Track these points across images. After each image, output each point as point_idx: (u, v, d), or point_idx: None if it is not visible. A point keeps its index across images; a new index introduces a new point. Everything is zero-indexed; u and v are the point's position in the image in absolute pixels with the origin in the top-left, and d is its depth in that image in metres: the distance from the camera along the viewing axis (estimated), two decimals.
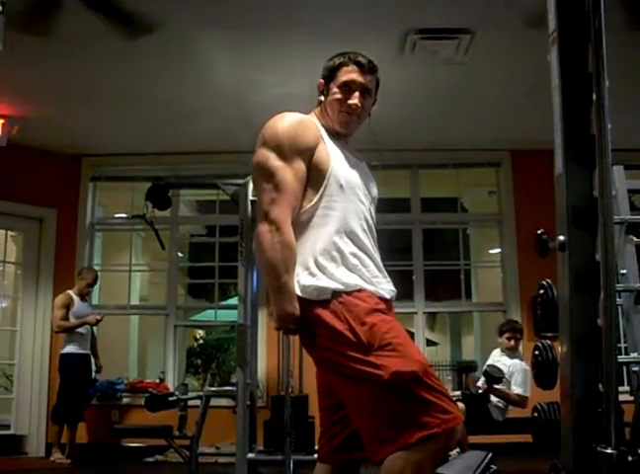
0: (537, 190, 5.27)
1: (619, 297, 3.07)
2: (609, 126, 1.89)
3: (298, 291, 2.18)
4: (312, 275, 2.18)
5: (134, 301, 8.79)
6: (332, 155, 2.27)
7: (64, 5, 4.73)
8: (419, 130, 7.08)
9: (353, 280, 2.18)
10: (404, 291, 7.69)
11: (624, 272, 3.18)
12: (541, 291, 2.19)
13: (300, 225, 2.23)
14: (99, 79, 5.96)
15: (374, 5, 4.84)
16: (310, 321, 2.16)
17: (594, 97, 1.91)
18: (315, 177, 2.24)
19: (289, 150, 2.20)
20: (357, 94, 2.33)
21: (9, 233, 7.89)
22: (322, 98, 2.39)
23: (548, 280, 2.19)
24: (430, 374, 2.07)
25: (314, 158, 2.24)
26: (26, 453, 7.19)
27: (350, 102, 2.32)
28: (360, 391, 2.10)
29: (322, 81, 2.40)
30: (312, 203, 2.23)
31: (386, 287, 2.29)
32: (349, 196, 2.26)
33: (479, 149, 7.68)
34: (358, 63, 2.35)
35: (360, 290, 2.17)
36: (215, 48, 5.51)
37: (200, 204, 9.97)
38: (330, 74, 2.38)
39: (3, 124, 6.32)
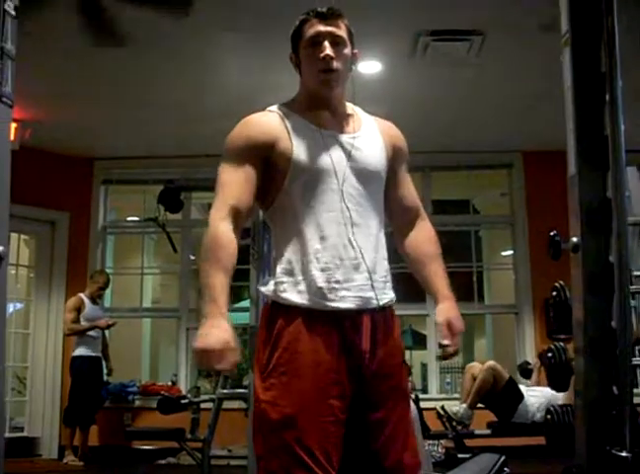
0: (550, 191, 5.25)
1: (633, 299, 3.06)
2: (623, 127, 1.87)
3: (261, 287, 2.12)
4: (271, 276, 2.09)
5: (146, 304, 8.81)
6: (295, 145, 2.05)
7: (77, 11, 4.75)
8: (430, 132, 7.06)
9: (297, 294, 2.00)
10: (416, 293, 7.66)
11: (638, 273, 3.17)
12: (554, 293, 2.17)
13: (271, 225, 2.16)
14: (111, 82, 5.98)
15: (386, 7, 4.84)
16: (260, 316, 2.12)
17: (607, 97, 1.90)
18: (281, 171, 2.05)
19: (235, 154, 2.07)
20: (326, 44, 2.07)
21: (22, 236, 7.92)
22: (298, 71, 2.19)
23: (561, 282, 2.18)
24: (291, 427, 1.91)
25: (273, 155, 2.05)
26: (39, 455, 7.22)
27: (321, 54, 2.07)
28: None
29: (292, 53, 2.19)
30: (276, 203, 2.09)
31: (348, 295, 2.02)
32: (317, 188, 2.05)
33: (491, 151, 7.66)
34: (318, 14, 2.12)
35: (299, 306, 2.00)
36: (229, 51, 5.52)
37: (211, 207, 9.97)
38: (295, 39, 2.17)
39: (16, 128, 6.34)
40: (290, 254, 2.04)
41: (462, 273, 8.43)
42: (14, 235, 7.65)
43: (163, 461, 6.87)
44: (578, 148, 1.96)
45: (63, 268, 7.62)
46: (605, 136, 1.88)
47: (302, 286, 2.01)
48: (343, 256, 2.03)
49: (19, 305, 8.21)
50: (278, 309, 2.02)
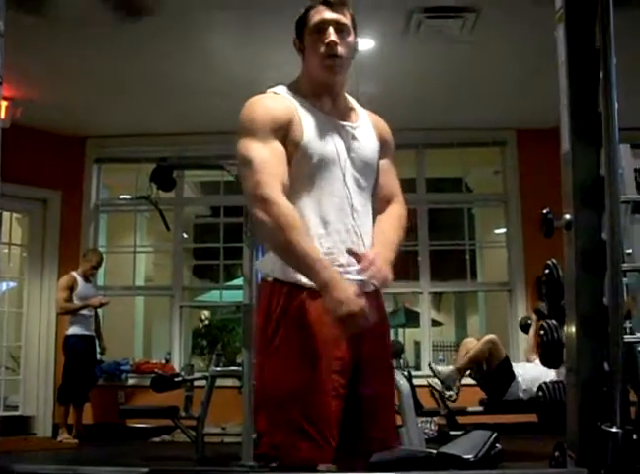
0: (543, 169, 5.23)
1: (625, 277, 3.07)
2: (617, 105, 1.87)
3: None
4: (271, 256, 2.12)
5: (140, 282, 8.82)
6: (306, 130, 2.10)
7: None
8: (423, 110, 7.05)
9: (292, 274, 2.05)
10: (409, 272, 7.69)
11: (630, 251, 3.18)
12: (546, 271, 2.18)
13: None
14: (103, 60, 5.93)
15: None
16: (258, 294, 2.21)
17: (601, 74, 1.89)
18: (288, 155, 2.09)
19: (262, 132, 2.05)
20: (331, 30, 2.13)
21: (14, 215, 7.90)
22: (302, 56, 2.24)
23: (553, 260, 2.18)
24: (298, 399, 2.00)
25: (289, 136, 2.09)
26: (34, 434, 7.24)
27: (326, 40, 2.12)
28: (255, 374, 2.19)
29: (296, 39, 2.25)
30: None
31: (350, 278, 2.06)
32: (323, 174, 2.11)
33: (484, 128, 7.65)
34: (324, 2, 2.17)
35: (299, 285, 2.05)
36: (221, 28, 5.48)
37: (204, 185, 9.97)
38: (301, 26, 2.23)
39: (7, 107, 6.30)
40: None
41: (455, 250, 8.46)
42: (6, 214, 7.63)
43: (157, 439, 6.90)
44: (571, 125, 1.95)
45: (56, 246, 7.61)
46: (599, 113, 1.87)
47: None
48: (346, 240, 2.10)
49: (12, 284, 8.20)
50: (281, 286, 2.06)
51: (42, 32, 5.33)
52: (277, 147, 2.06)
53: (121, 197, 8.76)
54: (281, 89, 2.21)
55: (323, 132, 2.13)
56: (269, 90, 2.20)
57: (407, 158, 7.82)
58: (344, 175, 2.14)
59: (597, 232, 1.89)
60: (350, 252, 2.06)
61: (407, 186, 7.95)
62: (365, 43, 5.60)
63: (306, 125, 2.11)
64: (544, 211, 2.10)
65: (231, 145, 7.35)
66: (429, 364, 5.95)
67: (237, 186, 5.78)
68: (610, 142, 1.83)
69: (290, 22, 2.26)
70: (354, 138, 2.20)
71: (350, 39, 2.18)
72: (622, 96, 1.96)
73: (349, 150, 2.17)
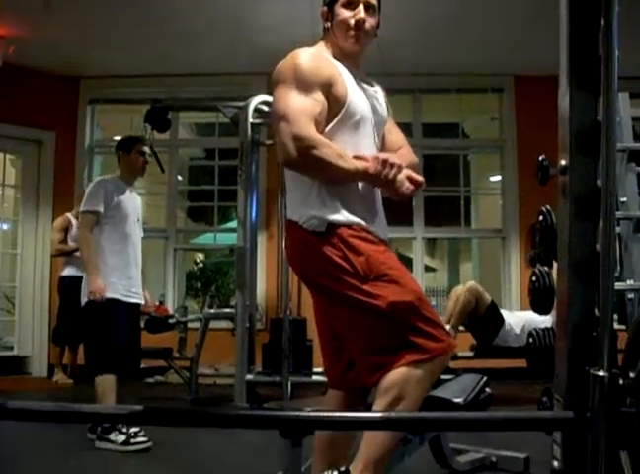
0: (540, 116, 5.20)
1: (618, 225, 3.07)
2: (617, 53, 1.84)
3: (300, 221, 2.25)
4: (312, 206, 2.25)
5: None
6: (349, 89, 2.31)
7: None
8: (421, 55, 6.97)
9: (350, 215, 2.24)
10: (403, 217, 7.70)
11: (624, 200, 3.18)
12: (541, 217, 2.18)
13: None
14: None
15: None
16: (309, 250, 2.24)
17: (602, 22, 1.86)
18: (330, 111, 2.27)
19: (309, 83, 2.23)
20: (361, 8, 2.36)
21: (7, 156, 7.85)
22: (327, 24, 2.42)
23: (548, 207, 2.19)
24: (424, 304, 2.19)
25: (332, 91, 2.27)
26: (29, 374, 7.32)
27: (356, 17, 2.35)
28: (355, 318, 2.20)
29: (325, 8, 2.44)
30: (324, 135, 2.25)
31: (382, 226, 2.36)
32: (360, 130, 2.32)
33: (482, 74, 7.58)
34: None
35: (357, 225, 2.24)
36: None
37: (199, 127, 9.89)
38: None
39: None
40: (329, 186, 2.25)
41: (450, 197, 8.45)
42: None
43: (151, 380, 6.97)
44: (570, 70, 1.93)
45: (50, 188, 7.58)
46: (599, 59, 1.85)
47: (347, 211, 2.25)
48: (373, 196, 2.36)
49: (5, 226, 8.19)
50: (342, 227, 2.23)
51: None
52: (320, 99, 2.24)
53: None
54: (320, 50, 2.39)
55: (358, 93, 2.35)
56: (305, 49, 2.35)
57: (404, 103, 7.77)
58: (373, 132, 2.39)
59: (591, 179, 1.89)
60: (356, 157, 2.25)
61: (403, 131, 7.91)
62: None
63: (349, 87, 2.32)
64: (540, 158, 2.10)
65: (226, 87, 7.28)
66: None
67: (232, 128, 5.76)
68: (609, 89, 1.81)
69: None
70: (376, 101, 2.45)
71: (375, 17, 2.42)
72: (623, 44, 1.94)
73: (374, 111, 2.41)
